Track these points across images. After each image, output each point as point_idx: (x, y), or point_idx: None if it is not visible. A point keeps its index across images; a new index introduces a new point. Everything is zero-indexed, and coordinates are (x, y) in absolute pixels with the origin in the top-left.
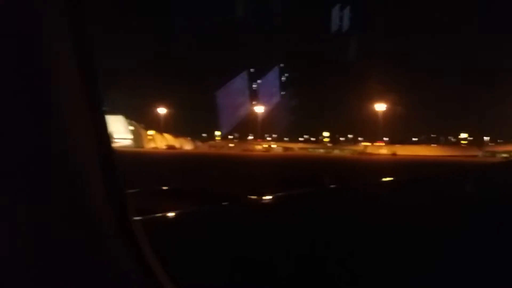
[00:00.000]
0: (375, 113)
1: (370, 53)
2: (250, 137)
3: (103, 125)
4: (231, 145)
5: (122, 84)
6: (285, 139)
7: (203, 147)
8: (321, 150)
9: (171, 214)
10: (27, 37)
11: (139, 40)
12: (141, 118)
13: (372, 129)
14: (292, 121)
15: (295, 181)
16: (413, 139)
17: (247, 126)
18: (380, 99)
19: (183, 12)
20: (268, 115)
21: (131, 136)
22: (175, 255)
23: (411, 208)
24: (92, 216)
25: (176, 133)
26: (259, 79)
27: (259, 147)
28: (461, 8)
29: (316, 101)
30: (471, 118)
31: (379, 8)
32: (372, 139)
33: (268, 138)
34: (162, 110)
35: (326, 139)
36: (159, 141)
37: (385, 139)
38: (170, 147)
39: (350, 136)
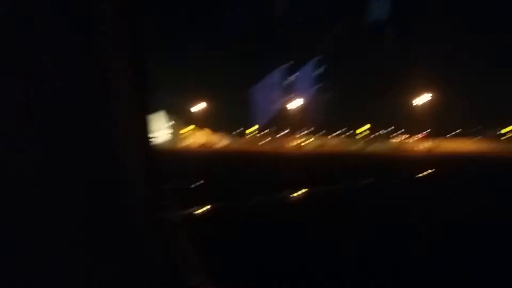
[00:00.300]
0: (416, 105)
1: (411, 44)
2: (286, 132)
3: (147, 126)
4: (266, 140)
5: (163, 81)
6: (322, 132)
7: (239, 142)
8: (360, 144)
9: (206, 209)
10: (86, 39)
11: (178, 38)
12: (181, 114)
13: (413, 122)
14: (328, 114)
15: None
16: (454, 132)
17: (284, 120)
18: (421, 90)
19: (221, 8)
20: (304, 108)
21: (172, 131)
22: (213, 250)
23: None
24: (136, 214)
25: (215, 128)
26: (296, 73)
27: (295, 141)
28: None
29: (354, 93)
30: None
31: None
32: (413, 132)
33: (306, 132)
34: (201, 105)
35: (365, 132)
36: (198, 137)
37: (426, 131)
38: (205, 144)
39: (391, 128)
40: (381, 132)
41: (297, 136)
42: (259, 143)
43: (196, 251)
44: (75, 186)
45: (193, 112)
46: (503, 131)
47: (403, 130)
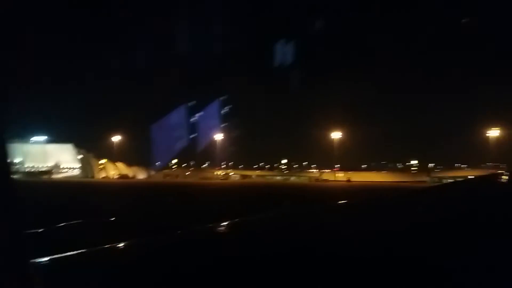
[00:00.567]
0: (323, 142)
1: (314, 85)
2: (205, 165)
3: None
4: (187, 173)
5: (71, 113)
6: (241, 166)
7: (158, 176)
8: (278, 177)
9: (74, 253)
10: None
11: (86, 71)
12: (91, 147)
13: (322, 157)
14: (242, 150)
15: (257, 207)
16: (362, 166)
17: (200, 155)
18: (327, 128)
19: (129, 45)
20: (210, 146)
21: (80, 165)
22: None
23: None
24: None
25: (129, 162)
26: (199, 112)
27: (217, 174)
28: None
29: (257, 131)
30: (417, 146)
31: (322, 42)
32: (323, 167)
33: (223, 166)
34: (115, 139)
35: (283, 166)
36: (111, 171)
37: (336, 166)
38: (123, 176)
39: (304, 163)
40: (295, 166)
41: (217, 169)
42: (180, 176)
43: None
44: None
45: (104, 146)
46: (406, 163)
47: (315, 165)
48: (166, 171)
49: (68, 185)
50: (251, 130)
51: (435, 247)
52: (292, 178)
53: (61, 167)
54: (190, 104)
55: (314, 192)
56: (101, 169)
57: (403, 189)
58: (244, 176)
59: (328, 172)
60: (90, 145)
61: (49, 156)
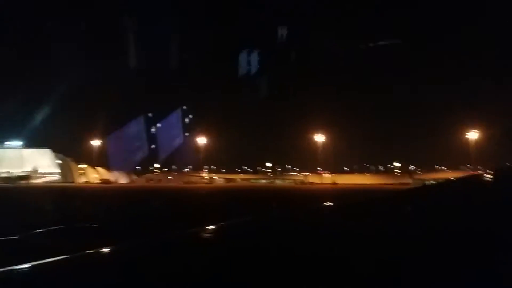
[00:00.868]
0: (306, 145)
1: (298, 88)
2: (187, 169)
3: None
4: (170, 177)
5: (49, 117)
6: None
7: (140, 180)
8: (263, 181)
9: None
10: None
11: (64, 74)
12: (70, 152)
13: (305, 160)
14: (217, 154)
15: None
16: (345, 168)
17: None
18: (310, 131)
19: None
20: (191, 149)
21: (59, 170)
22: None
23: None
24: None
25: (110, 167)
26: (160, 122)
27: (201, 177)
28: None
29: (239, 134)
30: (397, 148)
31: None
32: (306, 169)
33: (205, 170)
34: (95, 143)
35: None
36: (91, 175)
37: (319, 168)
38: (105, 181)
39: (288, 166)
40: (277, 169)
41: (200, 173)
42: (163, 180)
43: None
44: None
45: (84, 150)
46: (388, 166)
47: (298, 168)
48: (148, 175)
49: (48, 190)
50: (233, 133)
51: (426, 248)
52: (277, 181)
53: (40, 172)
54: (142, 116)
55: (302, 195)
56: (82, 174)
57: (390, 191)
58: (228, 180)
59: (312, 175)
60: (68, 149)
61: (26, 161)
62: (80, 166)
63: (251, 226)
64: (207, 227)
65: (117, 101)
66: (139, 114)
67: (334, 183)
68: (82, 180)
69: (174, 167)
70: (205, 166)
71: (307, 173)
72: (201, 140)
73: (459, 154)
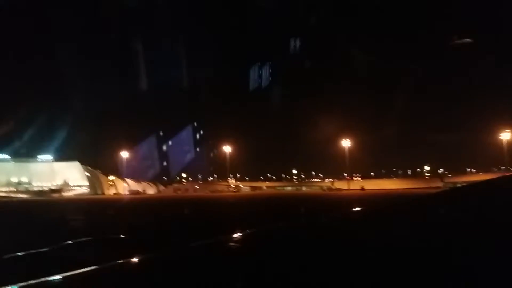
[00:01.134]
0: (332, 151)
1: (321, 94)
2: (212, 178)
3: None
4: (196, 187)
5: (78, 130)
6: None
7: (168, 191)
8: (289, 188)
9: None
10: None
11: (90, 90)
12: (98, 164)
13: (331, 166)
14: (242, 162)
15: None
16: (371, 173)
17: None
18: (336, 137)
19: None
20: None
21: (88, 183)
22: None
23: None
24: None
25: (138, 178)
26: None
27: (228, 186)
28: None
29: (264, 143)
30: (426, 152)
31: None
32: (332, 175)
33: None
34: (123, 155)
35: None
36: (120, 187)
37: (345, 174)
38: (134, 192)
39: (313, 172)
40: (302, 175)
41: (226, 181)
42: (190, 190)
43: None
44: None
45: (112, 163)
46: (419, 170)
47: (322, 174)
48: (175, 185)
49: (81, 202)
50: (257, 141)
51: (457, 249)
52: (304, 188)
53: (70, 184)
54: (150, 138)
55: (331, 202)
56: (111, 185)
57: (421, 196)
58: (254, 188)
59: (339, 180)
60: (96, 162)
61: (57, 174)
62: (110, 177)
63: (281, 233)
64: (236, 235)
65: (143, 115)
66: (165, 127)
67: (362, 189)
68: (111, 191)
69: (199, 176)
70: (230, 175)
71: (334, 179)
72: (227, 149)
73: (490, 156)
